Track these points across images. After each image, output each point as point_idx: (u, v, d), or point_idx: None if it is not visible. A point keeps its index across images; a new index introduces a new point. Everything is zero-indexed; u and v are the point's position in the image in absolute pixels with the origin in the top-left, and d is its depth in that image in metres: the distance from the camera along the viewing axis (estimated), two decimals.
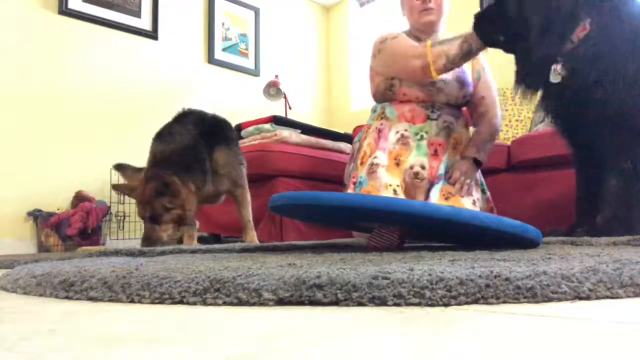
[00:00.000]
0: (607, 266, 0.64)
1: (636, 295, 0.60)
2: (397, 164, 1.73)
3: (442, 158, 1.75)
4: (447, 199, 1.68)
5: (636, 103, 1.26)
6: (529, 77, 1.45)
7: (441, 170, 1.73)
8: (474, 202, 1.71)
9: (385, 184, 1.67)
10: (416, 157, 1.74)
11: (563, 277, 0.61)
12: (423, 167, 1.71)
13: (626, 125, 1.28)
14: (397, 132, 1.79)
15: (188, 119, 2.04)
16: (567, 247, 1.17)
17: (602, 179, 1.34)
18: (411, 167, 1.71)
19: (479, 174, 1.85)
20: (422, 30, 1.90)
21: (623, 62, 1.26)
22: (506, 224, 1.06)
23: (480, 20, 1.55)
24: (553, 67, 1.36)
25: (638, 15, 1.35)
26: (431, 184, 1.71)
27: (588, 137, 1.40)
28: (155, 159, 1.90)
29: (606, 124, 1.30)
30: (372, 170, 1.72)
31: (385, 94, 1.91)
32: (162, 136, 1.96)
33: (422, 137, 1.78)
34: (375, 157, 1.76)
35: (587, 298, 0.59)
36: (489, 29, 1.53)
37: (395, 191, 1.66)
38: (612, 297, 0.59)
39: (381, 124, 1.86)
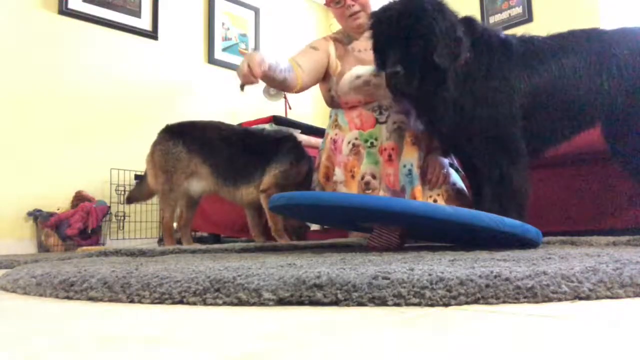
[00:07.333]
0: (607, 266, 0.64)
1: (636, 295, 0.60)
2: (352, 176, 1.78)
3: (397, 164, 1.72)
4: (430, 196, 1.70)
5: (489, 116, 1.39)
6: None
7: (401, 180, 1.70)
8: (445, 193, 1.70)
9: None
10: (367, 166, 1.75)
11: (563, 277, 0.61)
12: (374, 177, 1.73)
13: (489, 136, 1.40)
14: (349, 142, 1.82)
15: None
16: (567, 247, 1.17)
17: (480, 189, 1.48)
18: (362, 178, 1.74)
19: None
20: (355, 33, 1.90)
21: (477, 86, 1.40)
22: (506, 224, 1.06)
23: (377, 22, 1.48)
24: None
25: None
26: (393, 192, 1.70)
27: (465, 152, 1.56)
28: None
29: (473, 139, 1.44)
30: (334, 189, 1.81)
31: (332, 103, 1.94)
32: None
33: (372, 145, 1.78)
34: (335, 176, 1.82)
35: (587, 298, 0.59)
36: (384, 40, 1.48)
37: None
38: (612, 297, 0.59)
39: (336, 134, 1.88)
